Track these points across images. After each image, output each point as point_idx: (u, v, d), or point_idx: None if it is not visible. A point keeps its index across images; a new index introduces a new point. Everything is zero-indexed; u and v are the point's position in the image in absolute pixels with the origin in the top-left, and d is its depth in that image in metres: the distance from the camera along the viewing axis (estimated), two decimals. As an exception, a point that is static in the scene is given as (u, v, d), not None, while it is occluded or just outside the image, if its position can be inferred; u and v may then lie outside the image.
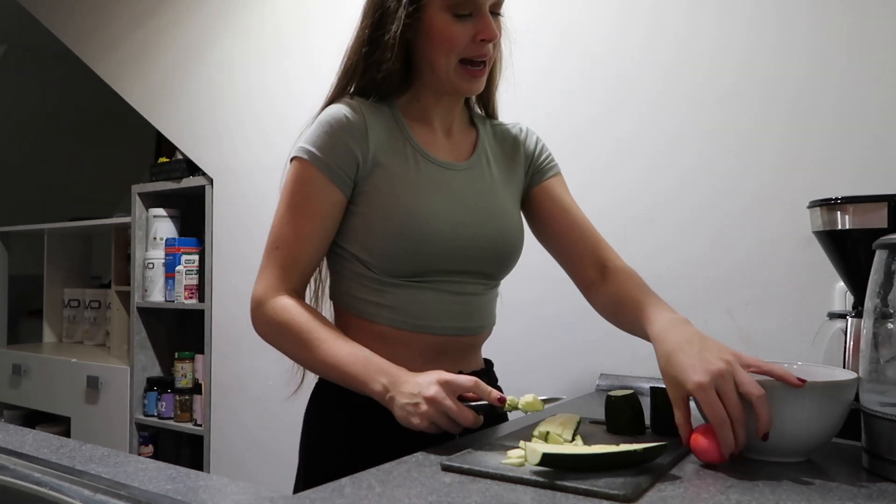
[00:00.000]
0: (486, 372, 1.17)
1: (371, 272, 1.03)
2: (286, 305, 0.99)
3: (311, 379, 1.17)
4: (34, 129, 3.33)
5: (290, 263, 1.01)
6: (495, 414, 0.88)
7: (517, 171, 1.16)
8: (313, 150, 1.00)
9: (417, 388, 0.86)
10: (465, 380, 0.87)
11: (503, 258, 1.09)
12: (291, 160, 1.03)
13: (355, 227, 1.03)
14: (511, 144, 1.17)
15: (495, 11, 1.02)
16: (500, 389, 1.14)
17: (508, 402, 0.87)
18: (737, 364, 0.78)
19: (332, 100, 1.06)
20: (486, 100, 1.17)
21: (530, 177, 1.17)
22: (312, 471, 1.09)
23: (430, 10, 0.99)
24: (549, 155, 1.19)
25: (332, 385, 1.04)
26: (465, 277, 1.06)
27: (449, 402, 0.84)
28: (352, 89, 1.07)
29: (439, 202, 1.02)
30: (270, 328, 1.00)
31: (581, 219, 1.14)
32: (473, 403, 0.86)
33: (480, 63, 1.02)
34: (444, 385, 0.85)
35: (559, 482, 0.69)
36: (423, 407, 0.84)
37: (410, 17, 0.99)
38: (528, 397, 0.88)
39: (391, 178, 1.01)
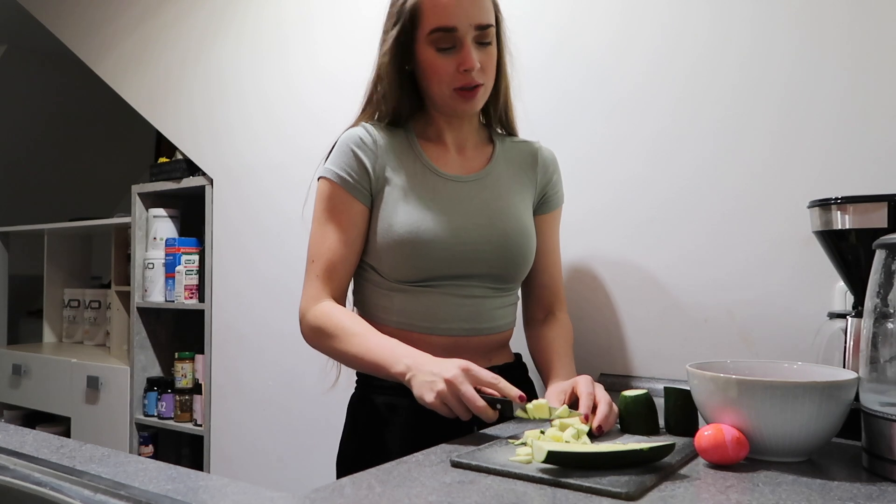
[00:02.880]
0: (517, 365, 1.25)
1: (381, 278, 1.13)
2: (325, 310, 1.08)
3: (348, 385, 1.20)
4: (34, 129, 3.33)
5: (325, 273, 1.11)
6: (510, 413, 0.91)
7: (530, 186, 1.23)
8: (334, 168, 1.12)
9: (439, 368, 0.91)
10: (486, 373, 0.92)
11: (510, 261, 1.15)
12: (318, 181, 1.15)
13: (367, 238, 1.13)
14: (528, 161, 1.24)
15: (481, 41, 1.10)
16: (530, 381, 1.25)
17: (523, 407, 0.90)
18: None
19: (355, 123, 1.18)
20: (503, 118, 1.25)
21: (537, 200, 1.25)
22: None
23: (419, 46, 1.09)
24: (560, 186, 1.29)
25: (369, 395, 1.14)
26: (471, 281, 1.13)
27: (465, 387, 0.89)
28: (376, 116, 1.18)
29: (440, 210, 1.11)
30: (314, 332, 1.09)
31: (554, 264, 1.27)
32: (490, 398, 0.90)
33: (472, 88, 1.10)
34: (465, 371, 0.90)
35: (563, 479, 0.70)
36: (440, 386, 0.89)
37: (404, 53, 1.10)
38: (541, 402, 0.91)
39: (398, 193, 1.12)
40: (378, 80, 1.15)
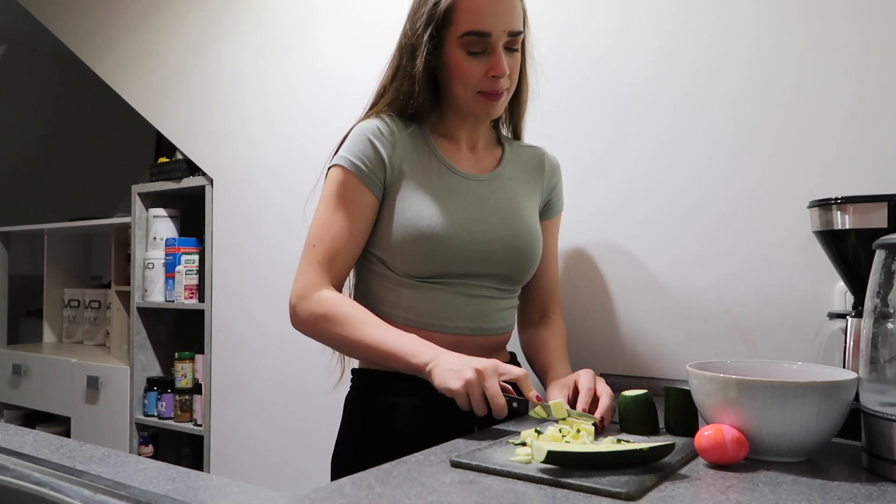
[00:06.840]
0: (512, 363, 1.24)
1: (391, 272, 1.11)
2: (329, 297, 1.07)
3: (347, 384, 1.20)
4: (34, 130, 3.33)
5: (326, 260, 1.08)
6: (524, 411, 0.95)
7: (537, 190, 1.24)
8: (348, 156, 1.10)
9: (469, 360, 0.94)
10: (517, 370, 0.95)
11: (519, 262, 1.16)
12: (329, 168, 1.13)
13: (379, 231, 1.11)
14: (535, 166, 1.25)
15: (511, 48, 1.10)
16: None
17: (541, 406, 0.94)
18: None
19: (367, 117, 1.16)
20: (514, 125, 1.26)
21: (542, 205, 1.26)
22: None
23: (448, 47, 1.08)
24: (562, 193, 1.30)
25: (366, 394, 1.13)
26: (480, 280, 1.13)
27: (491, 381, 0.91)
28: (384, 109, 1.16)
29: (458, 208, 1.11)
30: (314, 318, 1.07)
31: (552, 268, 1.28)
32: (508, 396, 0.93)
33: (496, 94, 1.10)
34: (495, 366, 0.93)
35: (563, 479, 0.70)
36: (469, 374, 0.91)
37: (432, 54, 1.09)
38: (557, 401, 0.94)
39: (414, 186, 1.10)
40: (400, 77, 1.12)
